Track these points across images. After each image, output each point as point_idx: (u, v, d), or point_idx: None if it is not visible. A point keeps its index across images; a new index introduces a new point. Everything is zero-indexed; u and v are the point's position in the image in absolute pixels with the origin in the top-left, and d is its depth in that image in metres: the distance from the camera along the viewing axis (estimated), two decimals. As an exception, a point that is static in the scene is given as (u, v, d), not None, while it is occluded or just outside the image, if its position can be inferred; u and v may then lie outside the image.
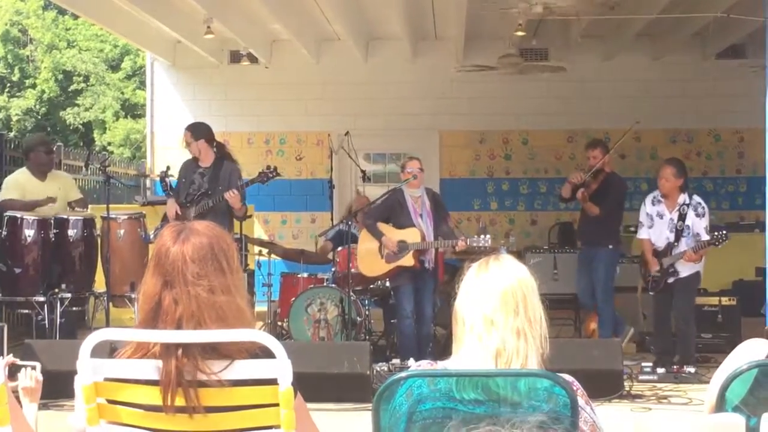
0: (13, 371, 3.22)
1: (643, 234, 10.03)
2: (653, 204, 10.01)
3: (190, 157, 10.23)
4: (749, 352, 3.41)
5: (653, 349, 10.22)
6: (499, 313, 3.10)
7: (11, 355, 3.32)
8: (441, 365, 3.17)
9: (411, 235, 10.00)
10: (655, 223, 9.97)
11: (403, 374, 3.05)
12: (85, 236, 10.42)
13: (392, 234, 10.02)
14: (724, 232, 9.87)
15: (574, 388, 3.00)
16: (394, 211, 10.15)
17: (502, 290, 3.12)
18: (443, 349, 2.77)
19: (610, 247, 10.75)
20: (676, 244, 9.84)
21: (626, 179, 11.81)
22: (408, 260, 9.98)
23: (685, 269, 9.87)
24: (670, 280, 9.88)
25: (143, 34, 14.36)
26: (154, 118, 15.89)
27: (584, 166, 11.85)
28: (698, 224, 9.83)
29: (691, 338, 10.09)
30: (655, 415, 8.15)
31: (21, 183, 10.57)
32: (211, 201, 9.78)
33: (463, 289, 3.20)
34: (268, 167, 10.16)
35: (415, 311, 10.07)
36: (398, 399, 3.01)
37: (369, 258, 10.16)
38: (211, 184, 9.92)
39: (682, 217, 9.84)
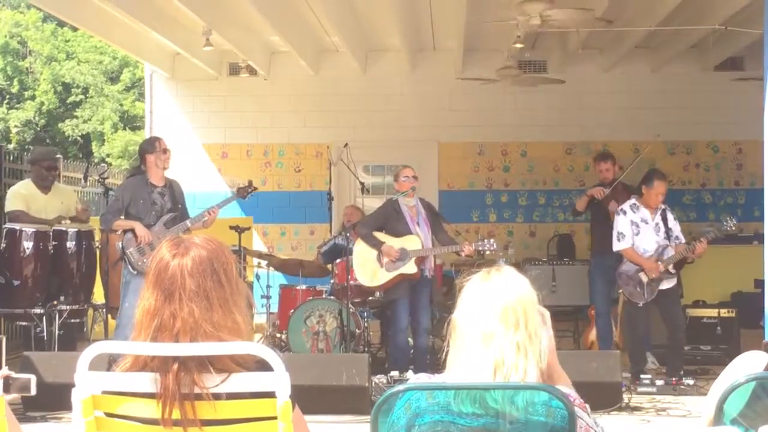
0: (8, 384, 3.21)
1: (626, 243, 9.94)
2: (634, 211, 10.00)
3: (132, 174, 9.99)
4: (747, 364, 3.41)
5: (633, 365, 10.05)
6: (499, 326, 3.08)
7: (7, 367, 3.32)
8: (439, 378, 3.16)
9: (411, 243, 9.95)
10: (641, 229, 9.95)
11: (401, 387, 3.04)
12: (83, 248, 10.43)
13: (391, 242, 9.96)
14: (728, 217, 10.20)
15: (571, 398, 3.00)
16: (390, 219, 10.06)
17: (503, 304, 3.10)
18: (442, 362, 2.76)
19: None
20: (670, 245, 9.86)
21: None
22: (410, 268, 9.91)
23: (668, 281, 9.91)
24: (664, 285, 9.86)
25: (142, 46, 14.38)
26: (153, 129, 15.87)
27: (582, 178, 11.91)
28: (676, 227, 10.04)
29: (683, 348, 10.17)
30: (654, 427, 8.15)
31: (24, 195, 10.58)
32: (189, 222, 9.49)
33: (463, 301, 3.18)
34: (250, 183, 10.22)
35: (412, 321, 10.03)
36: (397, 412, 3.01)
37: (368, 268, 10.06)
38: (174, 204, 9.66)
39: (665, 220, 9.94)
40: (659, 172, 10.30)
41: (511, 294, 3.12)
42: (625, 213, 10.01)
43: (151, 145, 9.72)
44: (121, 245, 9.52)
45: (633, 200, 10.08)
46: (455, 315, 3.18)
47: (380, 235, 10.00)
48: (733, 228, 10.01)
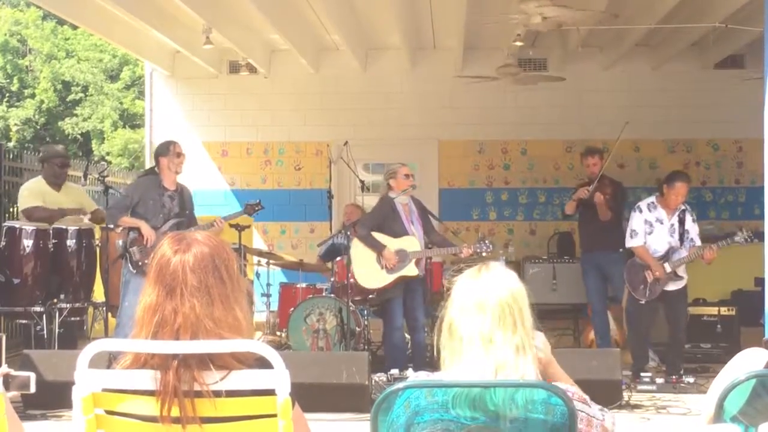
0: (7, 382, 3.21)
1: (638, 241, 9.95)
2: (650, 210, 9.97)
3: (149, 174, 10.09)
4: (747, 361, 3.41)
5: (635, 362, 10.05)
6: (497, 330, 3.06)
7: (6, 365, 3.32)
8: (438, 376, 3.14)
9: (409, 244, 9.94)
10: (654, 229, 9.94)
11: (400, 385, 3.04)
12: (83, 246, 10.43)
13: (389, 244, 9.94)
14: (745, 229, 10.11)
15: (570, 394, 2.99)
16: (387, 219, 10.04)
17: (499, 306, 3.07)
18: (436, 360, 2.76)
19: (621, 251, 10.83)
20: (681, 248, 9.85)
21: (626, 189, 11.81)
22: (411, 270, 9.92)
23: (674, 284, 9.91)
24: (670, 287, 9.87)
25: (142, 44, 14.37)
26: (153, 128, 15.88)
27: (582, 176, 11.91)
28: (694, 229, 9.99)
29: (683, 347, 10.19)
30: (654, 425, 8.15)
31: (40, 191, 10.62)
32: (193, 229, 9.33)
33: (456, 301, 3.16)
34: (259, 202, 10.36)
35: (408, 319, 10.05)
36: (396, 411, 3.00)
37: (369, 270, 10.00)
38: (181, 210, 9.73)
39: (681, 222, 9.91)
40: (683, 174, 10.29)
41: (504, 293, 3.11)
42: (641, 211, 9.99)
43: (165, 148, 9.85)
44: (124, 243, 9.56)
45: (652, 199, 10.06)
46: (449, 315, 3.15)
47: (379, 237, 9.97)
48: (747, 241, 9.97)
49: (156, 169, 9.86)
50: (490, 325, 3.06)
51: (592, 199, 10.87)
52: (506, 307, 3.08)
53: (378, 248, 9.89)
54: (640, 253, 9.93)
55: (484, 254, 9.83)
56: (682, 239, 9.91)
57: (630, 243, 10.03)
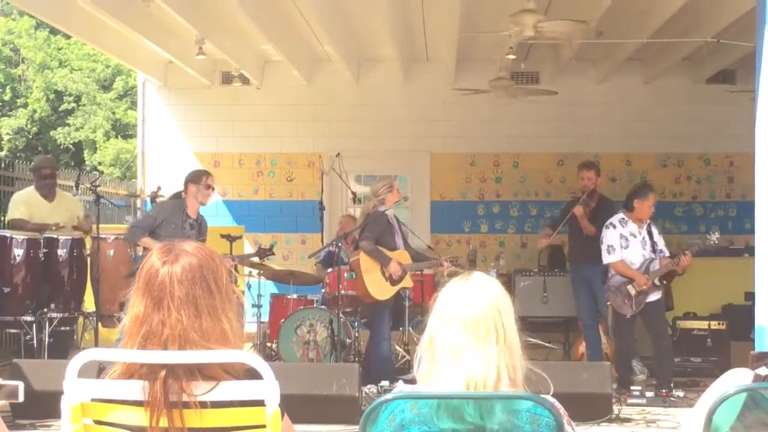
0: (-5, 391, 3.20)
1: (615, 257, 9.95)
2: (623, 225, 10.02)
3: (172, 198, 10.17)
4: (732, 382, 3.40)
5: (619, 376, 10.05)
6: (468, 341, 3.02)
7: (-6, 375, 3.31)
8: (420, 389, 3.09)
9: (403, 257, 10.06)
10: (630, 243, 9.98)
11: (389, 396, 3.02)
12: (74, 256, 10.42)
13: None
14: (713, 230, 10.13)
15: (558, 407, 2.97)
16: (385, 232, 10.12)
17: (482, 320, 3.02)
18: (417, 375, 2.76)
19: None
20: (656, 259, 9.90)
21: (616, 203, 11.80)
22: (408, 282, 10.12)
23: (654, 294, 9.94)
24: (651, 298, 9.88)
25: (135, 54, 14.37)
26: (145, 138, 15.87)
27: (573, 189, 11.95)
28: (660, 241, 10.10)
29: (672, 358, 10.18)
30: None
31: (28, 202, 10.62)
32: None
33: (437, 314, 3.10)
34: (271, 247, 11.09)
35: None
36: (381, 424, 2.97)
37: (378, 282, 10.06)
38: (198, 240, 9.81)
39: (650, 234, 9.99)
40: (650, 185, 10.39)
41: (485, 307, 3.03)
42: (614, 227, 10.03)
43: (197, 177, 10.02)
44: (138, 261, 9.70)
45: (621, 215, 10.11)
46: (429, 326, 3.12)
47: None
48: (716, 242, 10.00)
49: (183, 194, 9.91)
50: (469, 338, 3.01)
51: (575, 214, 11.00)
52: (491, 321, 3.03)
53: (385, 261, 9.99)
54: (620, 268, 9.94)
55: (453, 268, 9.91)
56: (654, 250, 9.98)
57: (608, 259, 10.02)
